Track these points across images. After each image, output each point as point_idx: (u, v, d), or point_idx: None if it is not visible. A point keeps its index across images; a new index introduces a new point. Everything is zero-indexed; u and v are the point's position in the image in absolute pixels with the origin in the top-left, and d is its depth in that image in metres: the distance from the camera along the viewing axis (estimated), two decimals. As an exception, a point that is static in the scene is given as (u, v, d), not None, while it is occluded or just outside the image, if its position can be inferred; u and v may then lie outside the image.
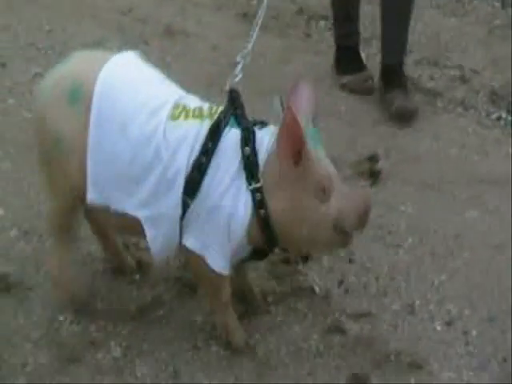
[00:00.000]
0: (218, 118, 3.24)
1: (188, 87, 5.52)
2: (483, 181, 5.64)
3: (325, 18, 7.39)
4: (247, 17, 7.42)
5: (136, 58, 3.58)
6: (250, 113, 3.46)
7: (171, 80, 3.78)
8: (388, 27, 6.12)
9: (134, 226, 3.41)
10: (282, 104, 3.30)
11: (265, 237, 3.25)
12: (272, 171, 3.12)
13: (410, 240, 5.03)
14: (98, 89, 3.25)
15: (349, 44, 6.39)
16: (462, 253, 4.92)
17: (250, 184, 3.09)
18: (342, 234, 3.22)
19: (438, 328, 4.34)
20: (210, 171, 3.18)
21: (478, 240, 5.05)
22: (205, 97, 3.83)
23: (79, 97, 3.23)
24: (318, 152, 3.16)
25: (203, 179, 3.19)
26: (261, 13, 3.94)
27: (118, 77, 3.34)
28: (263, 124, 3.35)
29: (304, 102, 3.26)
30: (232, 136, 3.21)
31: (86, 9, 7.47)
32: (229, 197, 3.18)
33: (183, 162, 3.18)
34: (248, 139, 3.14)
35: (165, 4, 7.75)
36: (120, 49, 6.68)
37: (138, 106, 3.30)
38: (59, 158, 3.36)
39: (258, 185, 3.05)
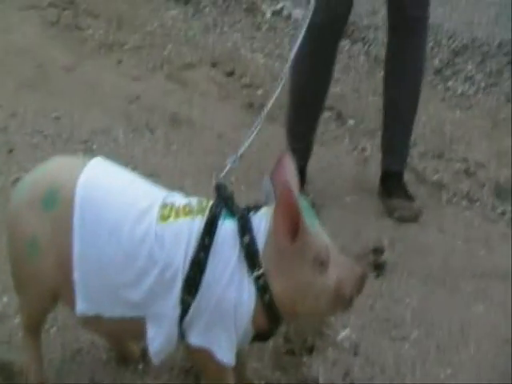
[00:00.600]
0: (213, 212, 3.27)
1: (193, 176, 5.61)
2: (488, 275, 5.70)
3: (330, 108, 7.42)
4: (253, 107, 7.52)
5: (111, 163, 3.56)
6: (254, 201, 3.53)
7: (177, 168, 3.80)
8: (390, 134, 6.22)
9: (129, 330, 3.46)
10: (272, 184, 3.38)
11: (269, 318, 3.29)
12: (271, 253, 3.16)
13: (415, 333, 5.07)
14: (78, 195, 3.24)
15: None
16: (467, 347, 4.96)
17: (252, 272, 3.13)
18: (342, 301, 3.28)
19: (444, 421, 4.37)
20: (210, 266, 3.19)
21: (483, 334, 5.10)
22: (209, 185, 3.90)
23: (56, 202, 3.23)
24: (311, 224, 3.21)
25: (203, 276, 3.20)
26: (269, 104, 4.03)
27: (99, 182, 3.34)
28: (257, 208, 3.39)
29: (290, 176, 3.38)
30: (227, 228, 3.25)
31: (93, 96, 7.54)
32: (232, 289, 3.19)
33: (180, 262, 3.20)
34: (245, 228, 3.19)
35: (171, 93, 7.83)
36: (127, 136, 6.85)
37: (124, 210, 3.29)
38: (32, 260, 3.34)
39: (261, 271, 3.10)
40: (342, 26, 5.95)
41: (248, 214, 3.34)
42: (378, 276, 5.47)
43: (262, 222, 3.26)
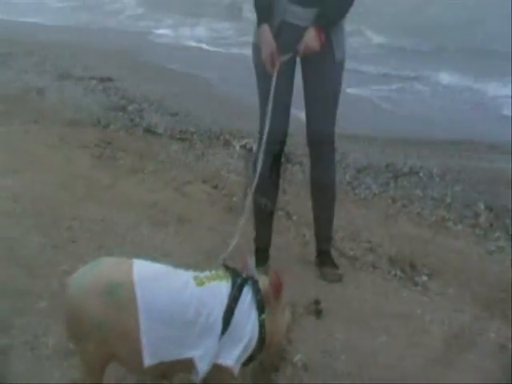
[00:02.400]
0: (239, 277, 3.55)
1: (194, 256, 5.81)
2: (392, 315, 5.90)
3: (281, 209, 7.83)
4: (231, 209, 7.93)
5: (147, 261, 3.68)
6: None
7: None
8: (319, 225, 6.44)
9: (179, 366, 3.54)
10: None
11: (260, 346, 3.54)
12: (267, 307, 3.59)
13: (342, 357, 5.24)
14: (138, 284, 3.34)
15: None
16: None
17: (260, 316, 3.38)
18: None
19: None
20: (237, 312, 3.39)
21: (391, 360, 5.34)
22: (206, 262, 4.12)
23: (119, 291, 3.29)
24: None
25: (232, 318, 3.38)
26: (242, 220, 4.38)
27: (148, 273, 3.46)
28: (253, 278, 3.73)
29: (251, 267, 3.80)
30: (245, 289, 3.49)
31: (126, 203, 7.74)
32: (250, 327, 3.39)
33: (218, 311, 3.37)
34: (257, 289, 3.53)
35: (177, 201, 8.09)
36: (149, 230, 6.95)
37: (172, 287, 3.44)
38: (99, 337, 3.35)
39: (263, 316, 3.50)
40: (280, 156, 6.14)
41: (255, 281, 3.62)
42: (317, 318, 5.66)
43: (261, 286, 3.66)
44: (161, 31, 27.23)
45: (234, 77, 17.00)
